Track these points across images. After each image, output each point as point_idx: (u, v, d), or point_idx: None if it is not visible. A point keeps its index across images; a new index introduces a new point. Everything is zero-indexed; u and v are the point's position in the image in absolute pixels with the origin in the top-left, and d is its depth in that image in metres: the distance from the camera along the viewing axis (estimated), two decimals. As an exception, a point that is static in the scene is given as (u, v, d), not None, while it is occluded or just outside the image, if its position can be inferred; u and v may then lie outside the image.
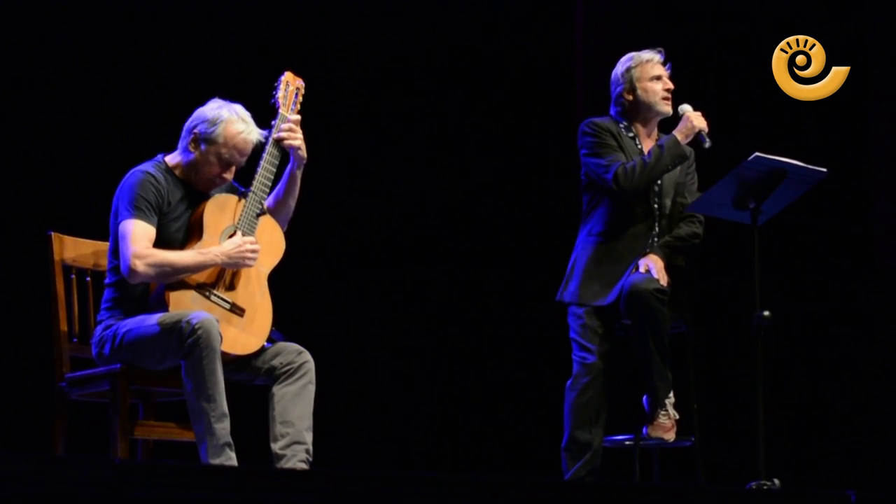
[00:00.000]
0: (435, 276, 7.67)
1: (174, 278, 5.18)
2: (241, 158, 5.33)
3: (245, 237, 5.26)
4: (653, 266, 5.92)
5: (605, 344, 5.97)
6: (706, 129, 5.99)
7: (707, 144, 6.00)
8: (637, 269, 5.94)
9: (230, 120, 5.30)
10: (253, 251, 5.25)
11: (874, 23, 7.62)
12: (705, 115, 6.04)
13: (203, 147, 5.30)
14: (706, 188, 6.03)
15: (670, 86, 6.09)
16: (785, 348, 7.41)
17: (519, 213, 7.85)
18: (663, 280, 5.89)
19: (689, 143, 6.04)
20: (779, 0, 7.56)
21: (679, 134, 5.98)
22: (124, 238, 5.19)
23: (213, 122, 5.29)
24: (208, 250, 5.21)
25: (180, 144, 5.37)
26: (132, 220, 5.20)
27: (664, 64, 6.11)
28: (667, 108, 6.09)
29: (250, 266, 5.27)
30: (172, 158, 5.38)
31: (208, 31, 7.17)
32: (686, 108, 6.05)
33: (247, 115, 5.34)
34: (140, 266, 5.14)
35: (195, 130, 5.31)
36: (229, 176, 5.34)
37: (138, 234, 5.18)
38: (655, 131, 6.16)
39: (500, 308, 7.77)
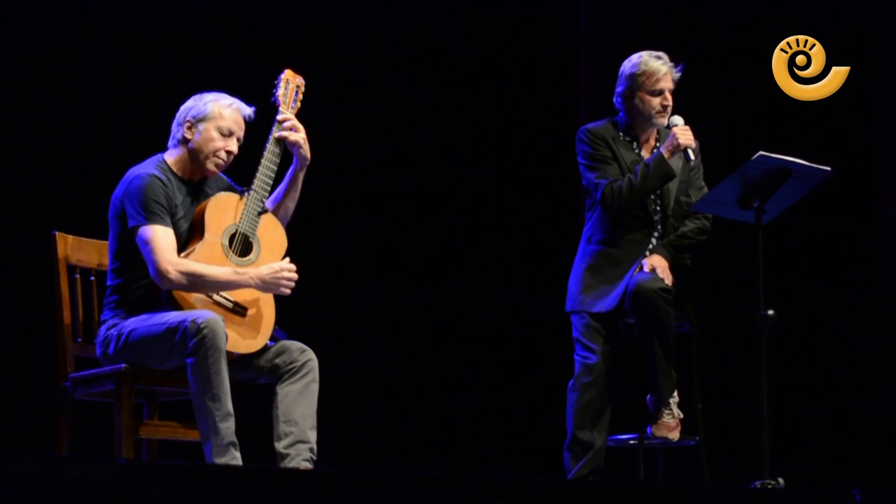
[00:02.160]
0: (438, 275, 7.67)
1: (203, 290, 5.19)
2: (240, 131, 5.35)
3: (283, 264, 5.27)
4: (657, 266, 5.92)
5: (608, 345, 5.96)
6: (692, 146, 5.96)
7: (692, 160, 6.00)
8: (641, 268, 5.94)
9: (216, 98, 5.37)
10: (290, 279, 5.25)
11: (875, 23, 7.61)
12: (700, 126, 6.02)
13: (201, 127, 5.31)
14: (710, 187, 6.02)
15: (669, 102, 6.02)
16: (789, 347, 7.41)
17: (522, 213, 7.84)
18: (668, 279, 5.89)
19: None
20: (779, 0, 7.55)
21: (665, 151, 5.95)
22: (148, 244, 5.17)
23: (204, 104, 5.34)
24: (245, 271, 5.21)
25: (173, 141, 5.37)
26: (151, 225, 5.19)
27: (676, 66, 6.07)
28: (661, 122, 6.05)
29: (286, 294, 5.27)
30: (171, 156, 5.38)
31: (208, 29, 7.17)
32: (676, 122, 6.00)
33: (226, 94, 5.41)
34: (173, 273, 5.13)
35: (188, 119, 5.34)
36: (234, 148, 5.34)
37: (164, 241, 5.17)
38: (655, 132, 6.15)
39: (502, 307, 7.77)
